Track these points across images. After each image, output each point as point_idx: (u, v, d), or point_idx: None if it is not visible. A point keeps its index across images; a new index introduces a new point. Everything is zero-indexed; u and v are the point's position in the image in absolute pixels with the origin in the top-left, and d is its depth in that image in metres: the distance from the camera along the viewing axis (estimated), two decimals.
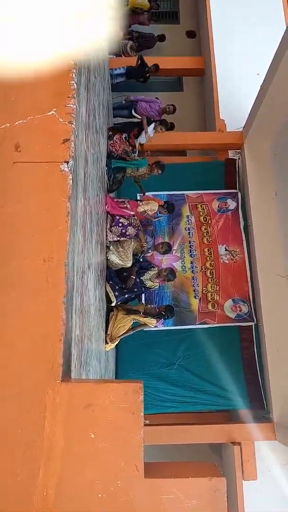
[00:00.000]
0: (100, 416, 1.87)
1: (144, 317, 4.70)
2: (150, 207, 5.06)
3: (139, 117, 5.85)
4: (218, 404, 5.76)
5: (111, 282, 4.50)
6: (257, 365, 5.80)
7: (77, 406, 1.85)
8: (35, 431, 1.79)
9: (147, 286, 5.04)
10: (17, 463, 1.73)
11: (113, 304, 4.49)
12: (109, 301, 4.48)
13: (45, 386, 1.84)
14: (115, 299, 4.47)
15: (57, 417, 1.82)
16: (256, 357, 5.83)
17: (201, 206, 6.55)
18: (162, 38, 8.31)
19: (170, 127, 6.24)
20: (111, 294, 4.47)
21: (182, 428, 5.50)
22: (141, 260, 5.15)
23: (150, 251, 5.28)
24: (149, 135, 5.56)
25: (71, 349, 2.12)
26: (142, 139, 5.46)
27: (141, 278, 4.86)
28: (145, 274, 4.92)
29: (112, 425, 1.87)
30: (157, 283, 5.15)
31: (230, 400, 5.69)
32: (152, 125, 5.52)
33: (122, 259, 4.73)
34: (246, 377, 5.76)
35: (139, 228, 4.88)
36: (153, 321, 4.68)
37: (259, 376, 5.74)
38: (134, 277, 4.68)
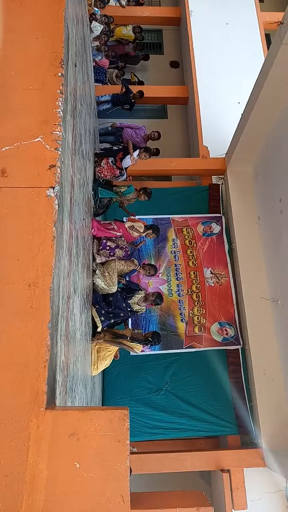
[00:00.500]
0: (85, 444, 1.82)
1: (131, 342, 4.65)
2: (136, 225, 5.12)
3: (123, 145, 5.94)
4: (206, 430, 5.66)
5: (97, 307, 4.46)
6: (245, 389, 5.76)
7: (62, 435, 1.81)
8: (18, 462, 1.74)
9: (134, 310, 5.01)
10: None
11: (99, 329, 4.44)
12: (95, 326, 4.43)
13: (28, 414, 1.80)
14: (101, 324, 4.43)
15: (41, 446, 1.78)
16: (243, 381, 5.79)
17: (186, 229, 6.63)
18: (146, 57, 8.70)
19: (155, 153, 6.36)
20: (97, 319, 4.43)
21: (170, 456, 5.37)
22: (127, 279, 5.14)
23: (135, 272, 5.27)
24: (135, 159, 5.64)
25: (56, 375, 2.08)
26: (127, 162, 5.55)
27: (128, 301, 4.84)
28: (132, 297, 4.90)
29: (98, 454, 1.82)
30: (144, 307, 5.13)
31: (219, 426, 5.61)
32: (137, 152, 5.63)
33: (107, 283, 4.70)
34: (234, 401, 5.70)
35: (127, 250, 4.89)
36: (140, 346, 4.63)
37: (247, 401, 5.68)
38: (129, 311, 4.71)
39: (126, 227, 5.06)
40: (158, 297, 5.05)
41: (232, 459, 5.41)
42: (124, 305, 4.75)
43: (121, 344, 4.53)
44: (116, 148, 5.67)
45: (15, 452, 1.75)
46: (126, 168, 5.71)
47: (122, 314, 4.73)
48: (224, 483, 5.30)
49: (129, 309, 4.88)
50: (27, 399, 1.81)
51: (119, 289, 4.86)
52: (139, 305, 5.02)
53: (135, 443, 5.35)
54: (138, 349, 4.65)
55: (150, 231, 5.33)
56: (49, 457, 1.78)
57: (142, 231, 5.23)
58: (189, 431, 5.65)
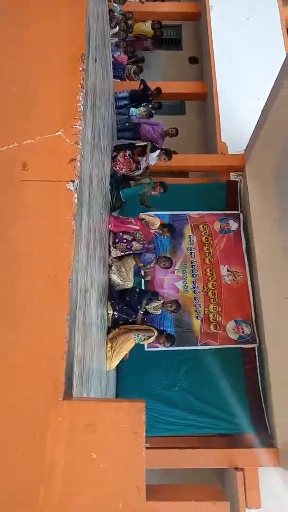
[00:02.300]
0: (102, 435, 1.84)
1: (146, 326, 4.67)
2: (151, 219, 5.13)
3: (143, 143, 5.98)
4: (220, 428, 5.64)
5: (112, 301, 4.49)
6: (260, 388, 5.71)
7: (79, 425, 1.83)
8: (36, 451, 1.76)
9: (149, 312, 5.00)
10: (16, 483, 1.70)
11: (109, 313, 4.46)
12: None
13: (47, 404, 1.82)
14: (112, 310, 4.45)
15: (58, 436, 1.80)
16: (259, 379, 5.73)
17: (203, 226, 6.59)
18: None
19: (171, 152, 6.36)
20: (110, 313, 4.46)
21: (183, 452, 5.38)
22: (143, 290, 5.13)
23: (151, 265, 5.23)
24: (150, 162, 5.68)
25: (74, 367, 2.11)
26: (148, 161, 5.58)
27: (145, 306, 4.83)
28: (150, 304, 4.87)
29: (114, 445, 1.84)
30: (160, 311, 5.12)
31: (233, 424, 5.58)
32: (157, 153, 5.64)
33: (123, 279, 4.72)
34: (249, 400, 5.65)
35: (145, 243, 4.89)
36: (155, 330, 4.60)
37: (262, 399, 5.63)
38: (143, 309, 4.70)
39: (139, 218, 5.08)
40: (176, 306, 5.05)
41: (247, 457, 5.38)
42: (139, 307, 4.73)
43: (137, 331, 4.53)
44: (136, 144, 5.71)
45: (33, 442, 1.78)
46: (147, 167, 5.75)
47: (134, 316, 4.70)
48: (238, 482, 5.27)
49: (142, 312, 4.85)
50: (45, 389, 1.83)
51: (137, 290, 4.84)
52: (154, 310, 5.02)
53: (148, 439, 5.35)
54: (154, 332, 4.60)
55: (166, 229, 5.34)
56: (66, 447, 1.80)
57: (156, 226, 5.22)
58: (202, 428, 5.64)
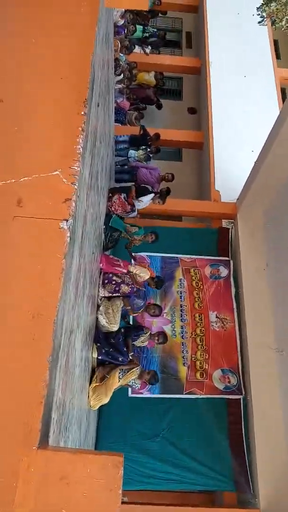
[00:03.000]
0: (75, 490, 1.73)
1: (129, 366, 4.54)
2: (140, 272, 5.08)
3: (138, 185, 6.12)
4: (201, 484, 5.33)
5: (99, 344, 4.38)
6: (245, 443, 5.45)
7: (52, 478, 1.72)
8: (4, 502, 1.64)
9: (137, 346, 4.93)
10: None
11: (94, 355, 4.36)
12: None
13: (19, 453, 1.71)
14: (96, 354, 4.35)
15: (30, 488, 1.68)
16: (243, 434, 5.48)
17: (194, 270, 6.59)
18: (159, 106, 9.02)
19: (166, 192, 6.50)
20: (94, 352, 4.35)
21: (161, 509, 5.07)
22: (131, 325, 5.07)
23: (139, 311, 5.20)
24: (145, 204, 5.80)
25: (52, 413, 2.01)
26: (139, 204, 5.66)
27: (133, 343, 4.74)
28: (137, 340, 4.80)
29: (87, 502, 1.72)
30: (147, 343, 5.07)
31: (215, 480, 5.27)
32: (151, 196, 5.75)
33: (109, 321, 4.58)
34: (232, 455, 5.38)
35: (133, 287, 4.85)
36: (136, 371, 4.47)
37: (246, 456, 5.37)
38: (131, 352, 4.64)
39: (128, 270, 5.03)
40: (163, 338, 5.09)
41: None
42: (125, 349, 4.63)
43: (121, 368, 4.41)
44: (132, 185, 5.84)
45: (1, 492, 1.66)
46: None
47: (120, 359, 4.60)
48: None
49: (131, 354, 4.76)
50: (19, 436, 1.73)
51: (122, 331, 4.76)
52: (142, 343, 4.96)
53: (125, 492, 5.07)
54: (135, 373, 4.47)
55: (154, 283, 5.39)
56: (36, 501, 1.69)
57: (145, 278, 5.18)
58: (183, 484, 5.33)
